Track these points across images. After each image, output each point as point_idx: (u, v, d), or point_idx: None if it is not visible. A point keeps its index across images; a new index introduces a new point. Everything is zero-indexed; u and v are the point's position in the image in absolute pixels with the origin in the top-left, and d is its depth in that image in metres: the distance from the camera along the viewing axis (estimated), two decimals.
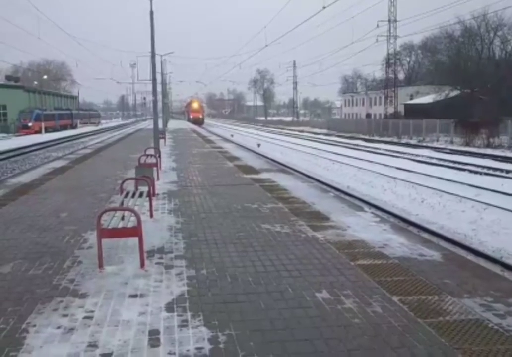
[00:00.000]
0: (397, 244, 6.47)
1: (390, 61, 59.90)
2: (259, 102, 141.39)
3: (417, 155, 27.96)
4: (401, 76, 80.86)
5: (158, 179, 12.43)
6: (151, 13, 17.53)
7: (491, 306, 4.44)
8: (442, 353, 3.62)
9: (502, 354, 3.60)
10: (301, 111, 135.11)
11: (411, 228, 10.23)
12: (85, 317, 4.33)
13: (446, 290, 4.83)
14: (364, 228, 7.34)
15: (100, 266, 5.61)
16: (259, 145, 34.44)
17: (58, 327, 4.13)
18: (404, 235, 6.97)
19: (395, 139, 43.34)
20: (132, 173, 12.50)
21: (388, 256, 5.96)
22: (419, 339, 3.83)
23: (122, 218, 6.42)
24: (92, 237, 6.83)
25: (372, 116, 74.31)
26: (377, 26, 55.56)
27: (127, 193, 7.93)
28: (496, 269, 7.59)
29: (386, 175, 19.60)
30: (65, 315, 4.37)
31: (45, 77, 71.13)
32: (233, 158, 18.53)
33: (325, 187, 14.55)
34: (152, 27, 17.68)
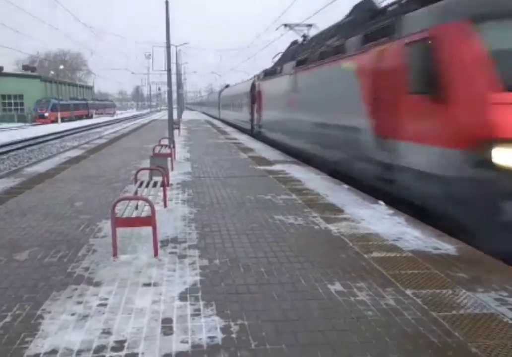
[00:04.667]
0: (411, 237, 6.42)
1: None
2: None
3: None
4: None
5: (172, 169, 12.47)
6: (166, 3, 17.49)
7: (506, 300, 4.39)
8: (456, 346, 3.59)
9: None
10: None
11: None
12: (99, 305, 4.37)
13: (461, 283, 4.79)
14: (378, 221, 7.29)
15: (114, 254, 5.66)
16: None
17: (73, 314, 4.18)
18: (419, 228, 6.90)
19: None
20: (146, 163, 12.55)
21: (402, 249, 5.92)
22: (433, 333, 3.80)
23: (137, 207, 6.46)
24: (106, 226, 6.88)
25: None
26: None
27: (141, 183, 7.97)
28: None
29: None
30: (79, 303, 4.42)
31: (61, 67, 71.61)
32: (247, 150, 18.51)
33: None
34: (167, 17, 17.64)
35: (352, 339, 3.71)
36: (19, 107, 65.30)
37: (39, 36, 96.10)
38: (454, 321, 4.00)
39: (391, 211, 7.93)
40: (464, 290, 4.63)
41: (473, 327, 3.89)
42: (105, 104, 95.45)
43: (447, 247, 6.00)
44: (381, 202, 8.59)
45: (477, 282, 4.82)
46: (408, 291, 4.62)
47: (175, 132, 22.97)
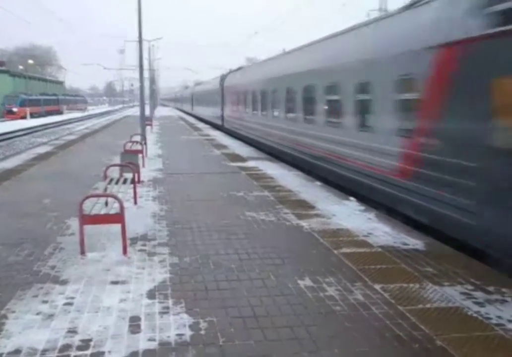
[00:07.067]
0: (381, 233, 6.49)
1: None
2: None
3: None
4: None
5: (143, 166, 12.33)
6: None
7: (471, 294, 4.48)
8: (422, 339, 3.64)
9: (480, 341, 3.63)
10: None
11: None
12: (65, 304, 4.29)
13: (428, 278, 4.87)
14: (349, 217, 7.35)
15: (82, 252, 5.56)
16: None
17: (38, 314, 4.09)
18: (389, 224, 6.99)
19: None
20: (118, 159, 12.36)
21: (371, 245, 5.98)
22: (399, 326, 3.85)
23: (106, 204, 6.35)
24: (74, 223, 6.75)
25: None
26: (368, 15, 55.29)
27: (111, 180, 7.85)
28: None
29: None
30: (45, 302, 4.33)
31: (30, 61, 70.03)
32: (220, 146, 18.44)
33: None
34: (139, 12, 17.37)
35: (320, 334, 3.73)
36: None
37: (8, 30, 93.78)
38: (421, 314, 4.06)
39: (362, 207, 8.00)
40: (431, 284, 4.70)
41: (439, 321, 3.96)
42: (76, 100, 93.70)
43: (415, 242, 6.09)
44: (352, 198, 8.67)
45: (443, 276, 4.91)
46: (377, 286, 4.67)
47: (148, 128, 22.71)
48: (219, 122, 28.78)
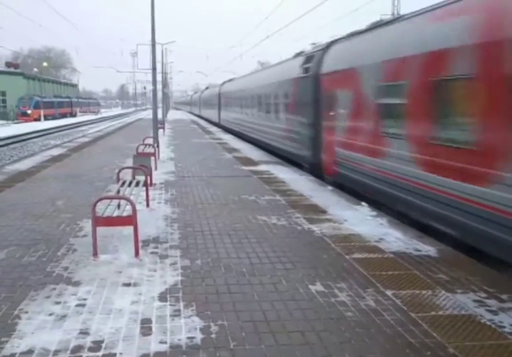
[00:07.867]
0: (393, 239, 6.46)
1: None
2: None
3: None
4: None
5: (155, 169, 12.40)
6: (152, 0, 17.36)
7: (484, 301, 4.44)
8: (434, 347, 3.61)
9: (494, 349, 3.60)
10: None
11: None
12: (78, 305, 4.32)
13: (440, 285, 4.83)
14: (360, 222, 7.32)
15: (95, 254, 5.60)
16: None
17: (50, 314, 4.12)
18: (401, 229, 6.95)
19: None
20: (130, 162, 12.45)
21: (383, 250, 5.95)
22: (411, 333, 3.82)
23: (118, 206, 6.41)
24: (87, 225, 6.80)
25: None
26: (380, 20, 55.06)
27: (124, 182, 7.90)
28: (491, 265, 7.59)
29: None
30: (57, 302, 4.36)
31: (45, 64, 70.76)
32: (232, 150, 18.48)
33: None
34: (152, 15, 17.51)
35: (331, 339, 3.71)
36: (1, 104, 64.23)
37: (22, 33, 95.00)
38: (433, 321, 4.03)
39: (374, 213, 7.97)
40: (443, 291, 4.67)
41: (451, 328, 3.92)
42: (89, 102, 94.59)
43: (428, 248, 6.05)
44: (364, 204, 8.63)
45: (456, 283, 4.87)
46: (388, 292, 4.64)
47: (160, 131, 22.85)
48: (299, 150, 13.69)
